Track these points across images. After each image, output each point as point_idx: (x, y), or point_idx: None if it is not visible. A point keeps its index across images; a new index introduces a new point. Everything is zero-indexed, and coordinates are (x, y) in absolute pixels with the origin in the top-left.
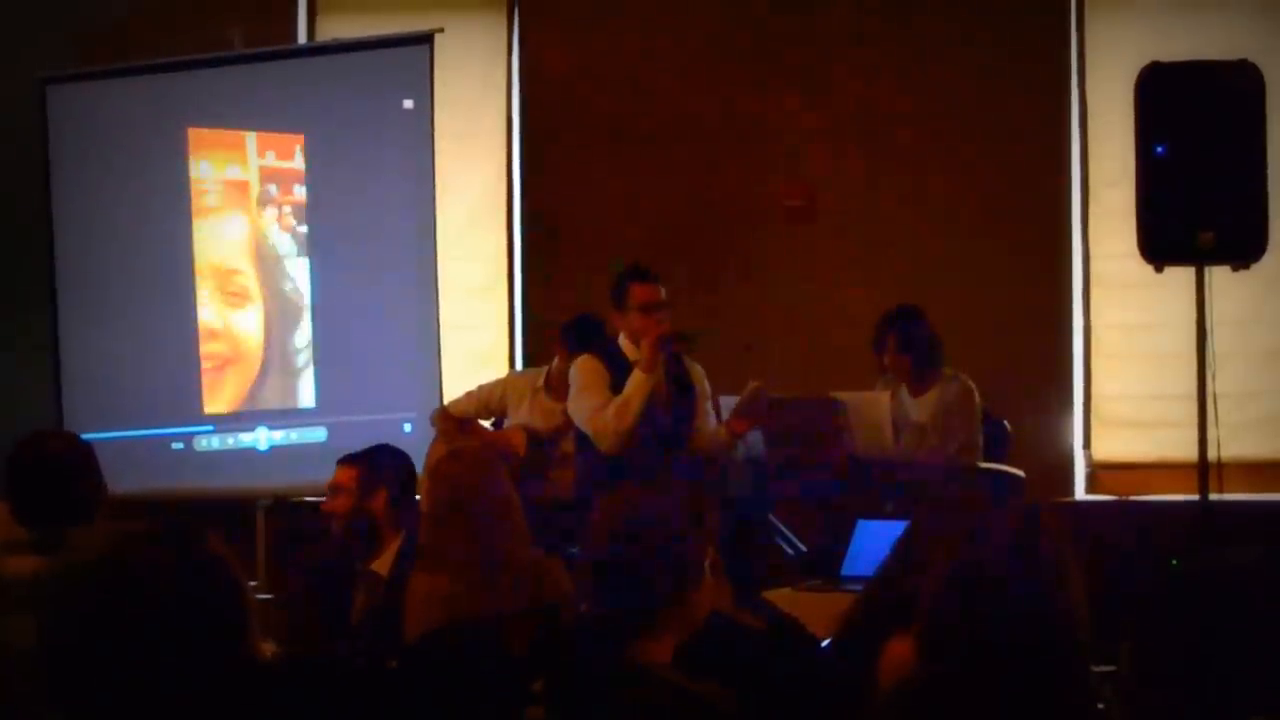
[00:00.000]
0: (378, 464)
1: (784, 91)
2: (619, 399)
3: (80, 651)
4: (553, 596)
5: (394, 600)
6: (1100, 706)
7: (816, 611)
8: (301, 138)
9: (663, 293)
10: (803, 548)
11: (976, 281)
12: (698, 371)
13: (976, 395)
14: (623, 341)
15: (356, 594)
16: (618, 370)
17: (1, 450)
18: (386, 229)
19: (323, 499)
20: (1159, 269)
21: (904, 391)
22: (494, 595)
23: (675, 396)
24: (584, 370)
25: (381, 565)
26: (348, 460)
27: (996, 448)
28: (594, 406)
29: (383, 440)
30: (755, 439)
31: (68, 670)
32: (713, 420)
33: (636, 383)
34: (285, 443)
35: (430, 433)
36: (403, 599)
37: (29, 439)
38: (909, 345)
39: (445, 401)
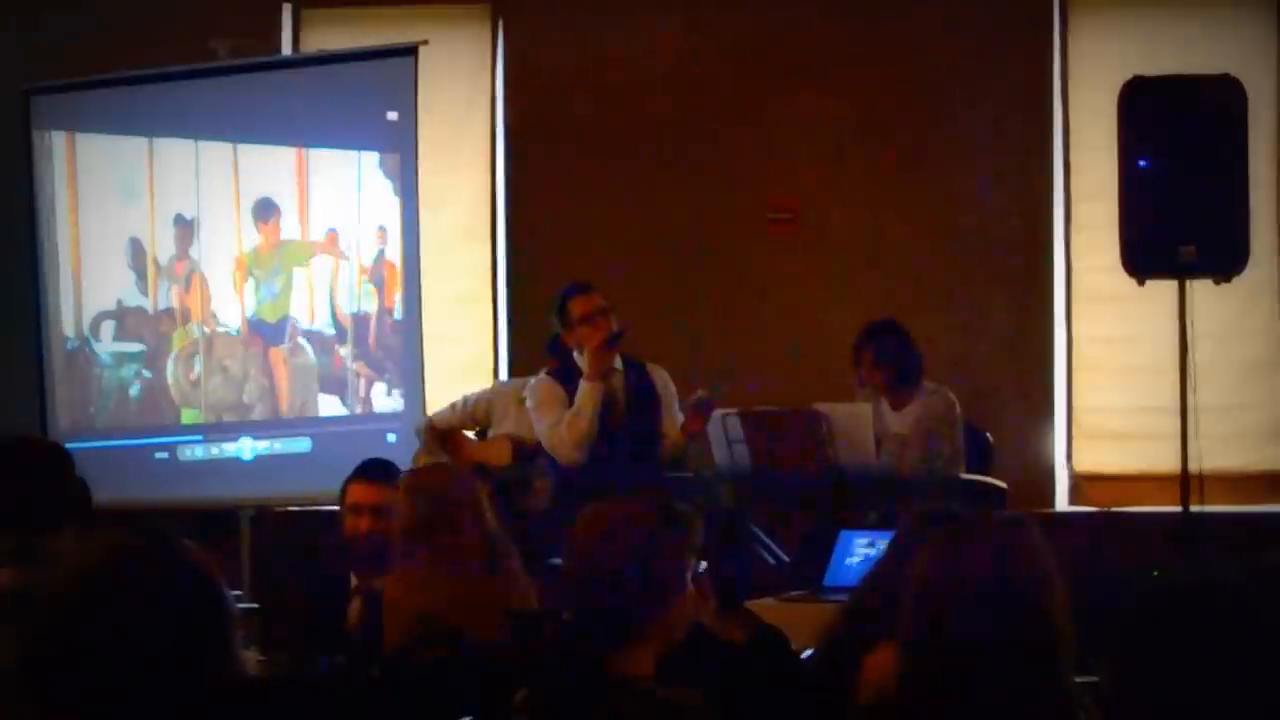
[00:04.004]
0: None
1: (769, 106)
2: (569, 411)
3: (60, 664)
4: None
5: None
6: (1082, 717)
7: (799, 622)
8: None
9: (600, 300)
10: (785, 558)
11: (959, 294)
12: (662, 376)
13: (958, 407)
14: (577, 357)
15: (351, 607)
16: (575, 387)
17: None
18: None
19: (308, 508)
20: (1141, 282)
21: (884, 404)
22: (471, 605)
23: (635, 402)
24: (539, 391)
25: (381, 583)
26: (382, 479)
27: (979, 459)
28: (550, 423)
29: (366, 451)
30: (739, 449)
31: (48, 683)
32: (678, 424)
33: (584, 392)
34: (269, 452)
35: (414, 443)
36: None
37: (6, 443)
38: (884, 360)
39: (429, 413)
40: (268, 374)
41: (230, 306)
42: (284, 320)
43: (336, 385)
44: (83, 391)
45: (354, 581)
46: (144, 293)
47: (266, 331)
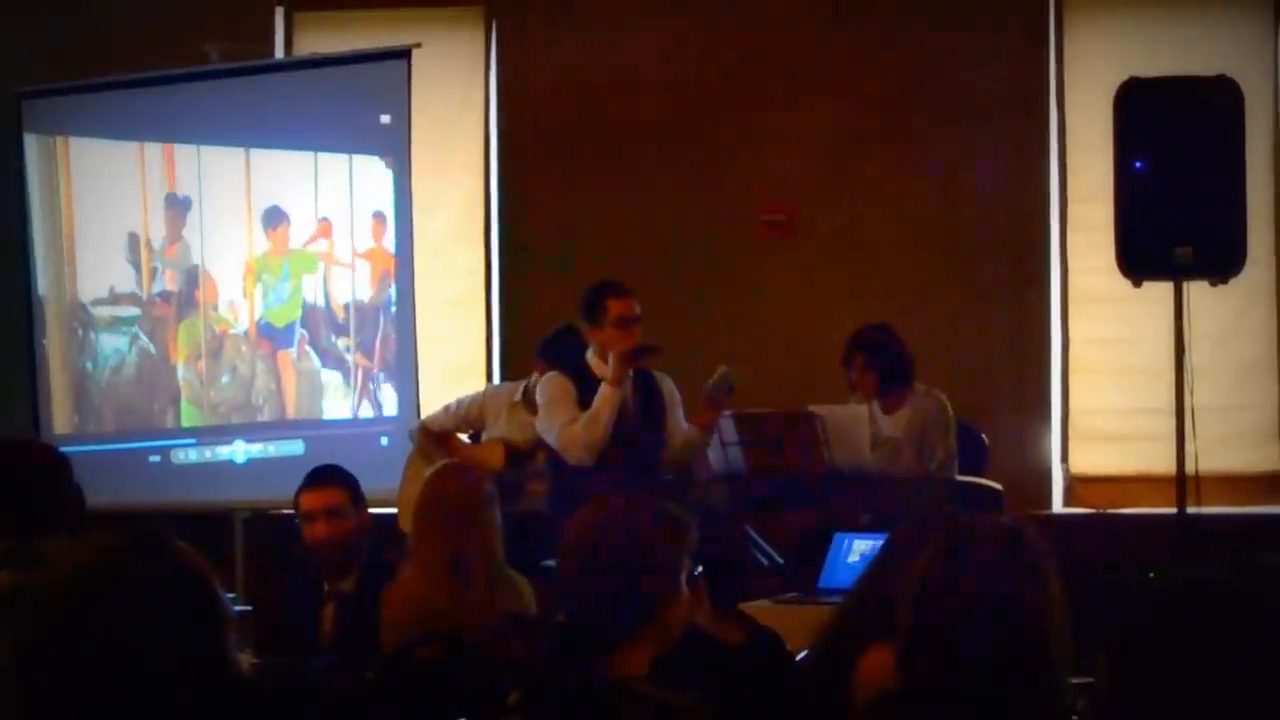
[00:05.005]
0: (353, 481)
1: (762, 107)
2: (588, 412)
3: (56, 665)
4: (527, 613)
5: (364, 618)
6: (1075, 719)
7: (793, 624)
8: None
9: (638, 307)
10: (779, 560)
11: (955, 296)
12: (667, 383)
13: (949, 409)
14: (590, 357)
15: (324, 613)
16: (585, 386)
17: None
18: None
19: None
20: (1137, 284)
21: (875, 407)
22: (470, 608)
23: (644, 409)
24: (552, 387)
25: (349, 584)
26: (330, 482)
27: (974, 461)
28: (562, 421)
29: (360, 455)
30: (733, 451)
31: (44, 684)
32: (684, 428)
33: (604, 396)
34: (262, 455)
35: (407, 447)
36: (371, 616)
37: (6, 447)
38: (874, 364)
39: (423, 415)
40: (275, 376)
41: (239, 308)
42: (292, 325)
43: (338, 369)
44: (76, 367)
45: (325, 587)
46: (138, 282)
47: (275, 335)
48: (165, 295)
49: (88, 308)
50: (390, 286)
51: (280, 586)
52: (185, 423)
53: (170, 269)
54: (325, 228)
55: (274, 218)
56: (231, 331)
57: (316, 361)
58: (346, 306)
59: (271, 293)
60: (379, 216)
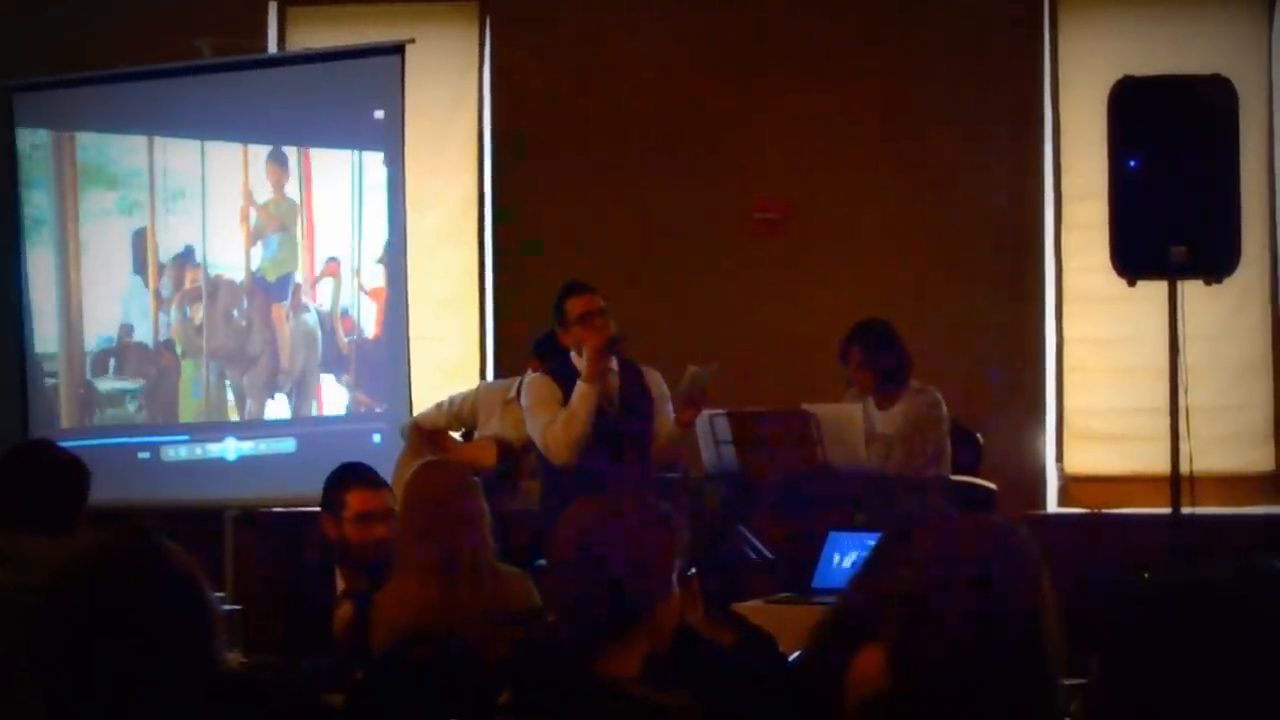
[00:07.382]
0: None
1: (757, 105)
2: (565, 411)
3: (43, 664)
4: (523, 609)
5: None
6: None
7: (786, 624)
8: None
9: (599, 301)
10: (773, 559)
11: (949, 294)
12: (653, 376)
13: (944, 407)
14: (574, 357)
15: (339, 612)
16: (570, 385)
17: None
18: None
19: (292, 509)
20: (1131, 283)
21: (870, 404)
22: (461, 606)
23: (630, 403)
24: (534, 389)
25: (362, 582)
26: (382, 484)
27: (968, 460)
28: (544, 422)
29: (352, 452)
30: (727, 450)
31: (30, 682)
32: (671, 422)
33: (580, 393)
34: (254, 453)
35: (399, 444)
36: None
37: (29, 445)
38: (872, 360)
39: (415, 413)
40: (270, 328)
41: (235, 256)
42: (285, 279)
43: (335, 365)
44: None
45: (340, 585)
46: (145, 327)
47: (268, 288)
48: (170, 344)
49: (92, 381)
50: (381, 284)
51: (288, 581)
52: (182, 398)
53: (177, 322)
54: (333, 268)
55: (276, 157)
56: (227, 277)
57: (313, 318)
58: (350, 344)
59: (263, 244)
60: (370, 213)
